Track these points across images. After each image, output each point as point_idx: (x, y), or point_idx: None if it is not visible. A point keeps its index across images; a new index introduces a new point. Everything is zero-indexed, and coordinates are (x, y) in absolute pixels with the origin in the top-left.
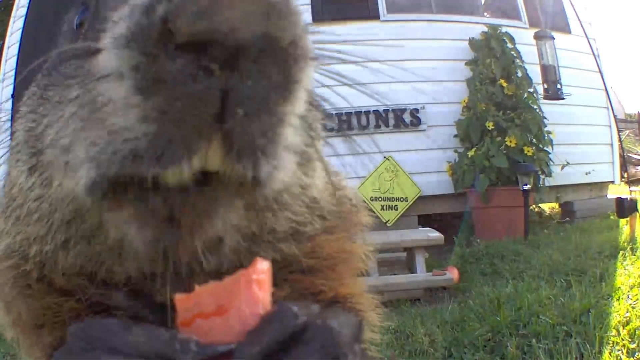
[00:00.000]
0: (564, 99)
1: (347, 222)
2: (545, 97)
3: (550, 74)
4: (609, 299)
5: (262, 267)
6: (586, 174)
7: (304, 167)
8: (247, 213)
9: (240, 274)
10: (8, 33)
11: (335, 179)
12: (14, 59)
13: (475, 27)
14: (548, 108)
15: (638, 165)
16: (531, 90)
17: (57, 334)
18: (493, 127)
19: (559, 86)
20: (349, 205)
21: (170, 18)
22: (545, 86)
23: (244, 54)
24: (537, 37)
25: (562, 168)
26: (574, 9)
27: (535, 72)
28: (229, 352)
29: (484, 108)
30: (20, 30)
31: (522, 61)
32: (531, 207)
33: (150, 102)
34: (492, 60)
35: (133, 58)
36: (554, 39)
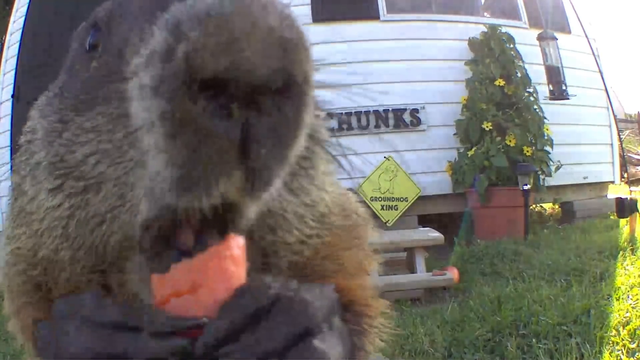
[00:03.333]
0: (569, 99)
1: (354, 235)
2: (552, 98)
3: (555, 75)
4: (609, 299)
5: (237, 243)
6: (583, 178)
7: (310, 183)
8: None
9: (213, 250)
10: (8, 33)
11: (343, 192)
12: (14, 59)
13: (475, 27)
14: (548, 108)
15: (638, 165)
16: (531, 90)
17: None
18: (492, 127)
19: (564, 87)
20: (356, 218)
21: (191, 58)
22: (551, 87)
23: (262, 91)
24: (540, 38)
25: (557, 169)
26: (574, 9)
27: (535, 72)
28: (200, 327)
29: (484, 108)
30: (20, 30)
31: (522, 61)
32: (531, 207)
33: (177, 146)
34: (491, 60)
35: (160, 106)
36: (556, 39)
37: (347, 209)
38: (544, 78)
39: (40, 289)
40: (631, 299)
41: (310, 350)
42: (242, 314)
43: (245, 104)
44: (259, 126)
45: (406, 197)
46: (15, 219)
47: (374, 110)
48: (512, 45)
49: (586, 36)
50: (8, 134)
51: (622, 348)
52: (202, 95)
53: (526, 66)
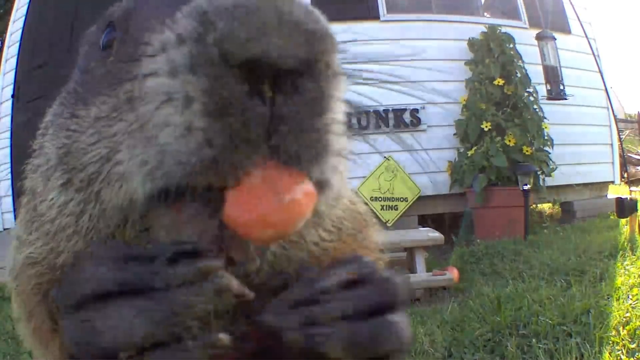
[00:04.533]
0: (567, 99)
1: (361, 237)
2: (549, 98)
3: (552, 75)
4: (609, 299)
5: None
6: (576, 185)
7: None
8: None
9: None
10: (8, 33)
11: (350, 193)
12: (14, 59)
13: (475, 27)
14: (548, 108)
15: (638, 165)
16: (530, 90)
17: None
18: (492, 127)
19: (561, 86)
20: (361, 220)
21: (223, 43)
22: (548, 87)
23: (289, 75)
24: (539, 37)
25: (553, 170)
26: (574, 9)
27: (534, 72)
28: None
29: (483, 108)
30: (20, 30)
31: (522, 61)
32: (531, 207)
33: (218, 125)
34: (491, 60)
35: (204, 83)
36: (555, 39)
37: (355, 211)
38: (543, 78)
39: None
40: (631, 299)
41: (391, 323)
42: (344, 276)
43: (274, 88)
44: (285, 107)
45: (406, 197)
46: (28, 224)
47: (374, 110)
48: (511, 45)
49: (586, 36)
50: (8, 134)
51: (622, 348)
52: (243, 79)
53: (526, 66)
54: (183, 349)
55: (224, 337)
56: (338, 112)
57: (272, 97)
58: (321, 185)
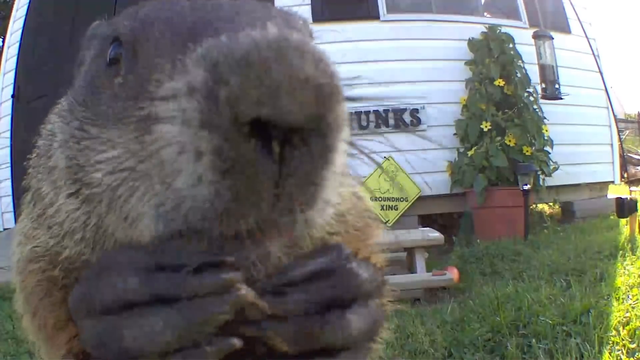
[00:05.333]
0: (562, 99)
1: (365, 235)
2: (543, 97)
3: (548, 74)
4: (609, 299)
5: None
6: (578, 184)
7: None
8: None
9: None
10: (8, 33)
11: (355, 190)
12: (14, 59)
13: (475, 27)
14: (548, 108)
15: (638, 165)
16: (530, 90)
17: (75, 342)
18: (492, 127)
19: (557, 86)
20: (368, 218)
21: (234, 102)
22: (543, 86)
23: (298, 132)
24: (536, 36)
25: (553, 171)
26: (574, 9)
27: (534, 72)
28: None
29: (483, 108)
30: (20, 30)
31: (522, 61)
32: (531, 207)
33: (227, 181)
34: (491, 61)
35: (213, 140)
36: (552, 38)
37: (359, 208)
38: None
39: (59, 288)
40: (631, 299)
41: (340, 317)
42: (314, 268)
43: (282, 142)
44: (292, 161)
45: (406, 197)
46: (35, 220)
47: (374, 110)
48: (511, 46)
49: (586, 36)
50: (8, 134)
51: (622, 348)
52: (252, 139)
53: (526, 66)
54: (201, 353)
55: (237, 342)
56: (340, 164)
57: (280, 152)
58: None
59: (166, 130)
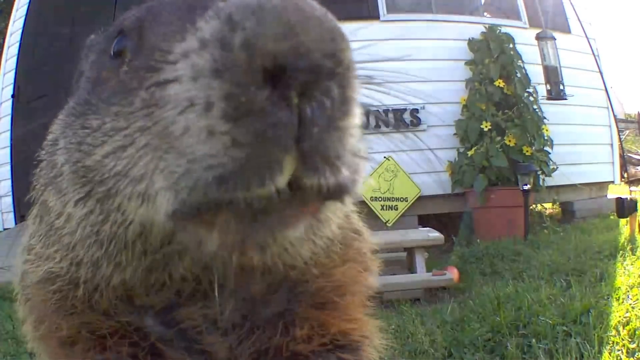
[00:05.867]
0: (566, 99)
1: (351, 250)
2: (549, 98)
3: (552, 75)
4: (609, 299)
5: None
6: (578, 184)
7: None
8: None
9: None
10: (8, 33)
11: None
12: (14, 59)
13: (475, 27)
14: (548, 108)
15: (638, 165)
16: (530, 90)
17: (89, 354)
18: (492, 127)
19: (561, 87)
20: (352, 231)
21: (250, 45)
22: (548, 87)
23: (316, 77)
24: (539, 38)
25: (553, 171)
26: (574, 9)
27: (534, 72)
28: None
29: (483, 108)
30: (20, 30)
31: (522, 61)
32: (531, 207)
33: (240, 129)
34: (491, 61)
35: (224, 88)
36: (555, 39)
37: (347, 227)
38: (543, 78)
39: (78, 305)
40: (631, 299)
41: None
42: None
43: (301, 91)
44: (313, 110)
45: (406, 197)
46: (44, 237)
47: (374, 110)
48: (511, 46)
49: (586, 36)
50: (8, 134)
51: (622, 348)
52: (267, 84)
53: (526, 66)
54: None
55: None
56: (358, 114)
57: (298, 104)
58: (340, 190)
59: (174, 90)
